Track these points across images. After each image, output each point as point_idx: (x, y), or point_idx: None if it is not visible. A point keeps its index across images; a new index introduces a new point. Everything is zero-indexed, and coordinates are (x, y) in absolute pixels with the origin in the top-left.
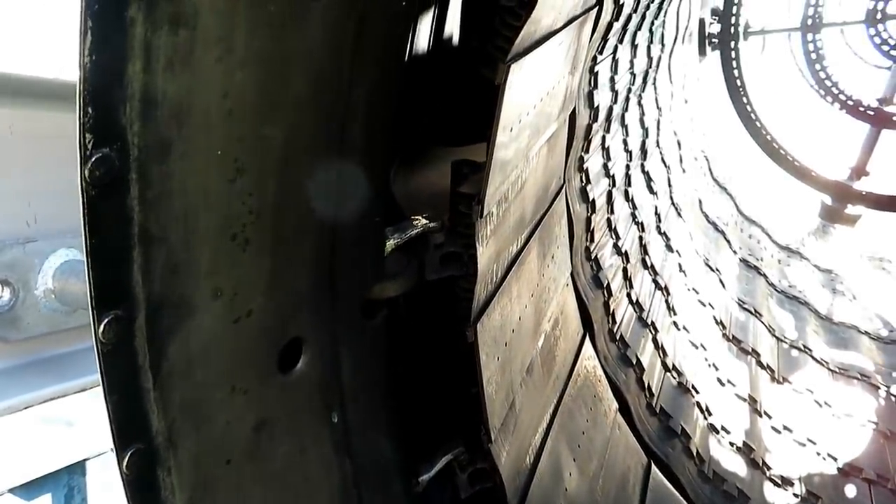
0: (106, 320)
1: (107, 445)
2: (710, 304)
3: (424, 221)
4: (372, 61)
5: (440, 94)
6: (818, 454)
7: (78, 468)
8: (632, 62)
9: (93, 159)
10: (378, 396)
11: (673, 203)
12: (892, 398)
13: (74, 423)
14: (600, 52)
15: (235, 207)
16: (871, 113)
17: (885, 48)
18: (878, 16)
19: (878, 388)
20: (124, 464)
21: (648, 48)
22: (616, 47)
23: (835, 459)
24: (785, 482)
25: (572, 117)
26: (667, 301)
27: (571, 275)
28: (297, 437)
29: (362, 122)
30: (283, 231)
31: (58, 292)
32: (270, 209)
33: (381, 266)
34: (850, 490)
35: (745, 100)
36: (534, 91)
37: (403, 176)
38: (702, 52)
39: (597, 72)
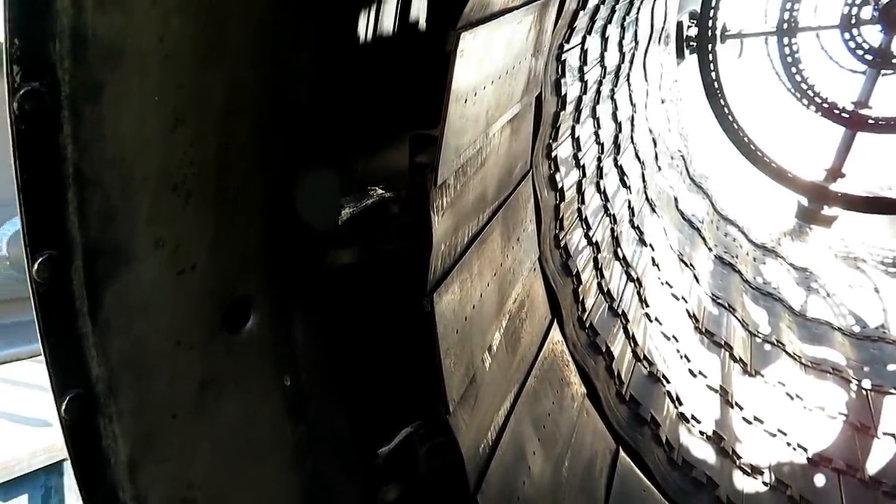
0: (40, 259)
1: None
2: (683, 298)
3: (381, 192)
4: (317, 26)
5: (404, 76)
6: (788, 444)
7: (55, 469)
8: (602, 55)
9: (21, 92)
10: (334, 365)
11: (647, 198)
12: (864, 392)
13: (53, 423)
14: (567, 41)
15: (176, 158)
16: (847, 116)
17: (860, 52)
18: (853, 20)
19: (850, 381)
20: (63, 408)
21: (620, 43)
22: (585, 38)
23: (805, 450)
24: (755, 471)
25: (538, 103)
26: (639, 293)
27: (539, 260)
28: (246, 398)
29: (310, 86)
30: (227, 186)
31: (13, 259)
32: (213, 162)
33: (336, 233)
34: (820, 479)
35: (722, 102)
36: (491, 66)
37: (365, 155)
38: (680, 54)
39: (564, 60)
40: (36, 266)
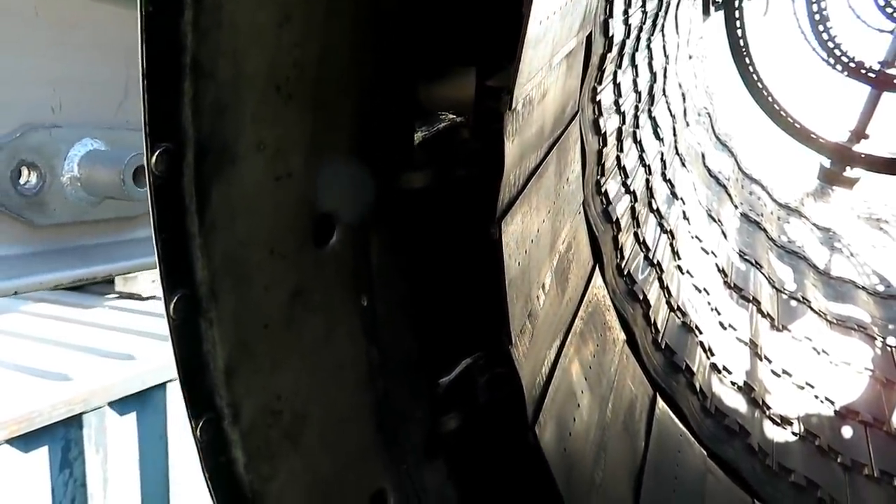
0: (158, 151)
1: (103, 400)
2: (712, 253)
3: (452, 116)
4: None
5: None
6: (816, 397)
7: (75, 421)
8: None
9: None
10: (405, 289)
11: (678, 153)
12: (889, 348)
13: (72, 377)
14: None
15: (282, 56)
16: (873, 75)
17: (889, 10)
18: None
19: (875, 338)
20: (171, 307)
21: None
22: None
23: (832, 403)
24: (784, 421)
25: (588, 42)
26: (671, 245)
27: (583, 204)
28: (329, 313)
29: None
30: (322, 92)
31: (84, 180)
32: (314, 66)
33: (410, 154)
34: (847, 431)
35: (747, 60)
36: None
37: (438, 79)
38: (706, 11)
39: (611, 0)
40: (154, 158)
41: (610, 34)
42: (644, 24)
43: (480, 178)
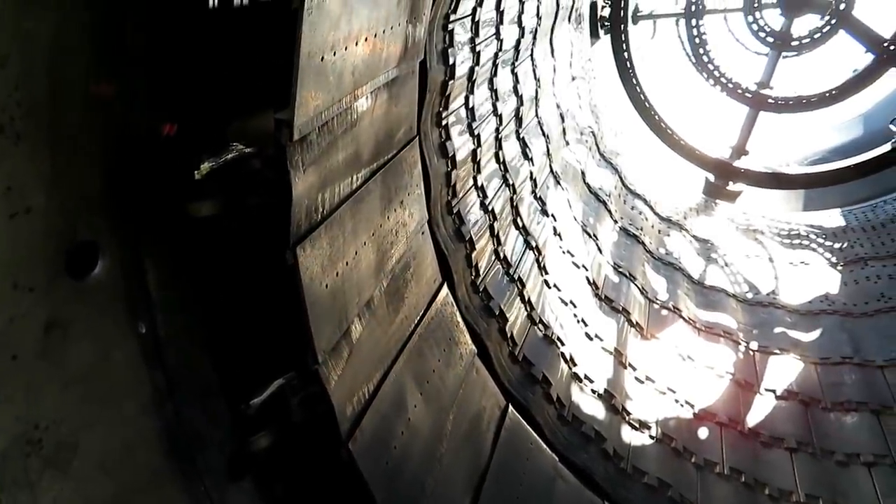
0: None
1: None
2: (584, 266)
3: (241, 147)
4: None
5: (259, 36)
6: (676, 401)
7: None
8: (498, 28)
9: None
10: (195, 313)
11: (552, 171)
12: (751, 352)
13: None
14: (454, 11)
15: (1, 98)
16: (750, 95)
17: (762, 35)
18: (755, 4)
19: (739, 343)
20: None
21: (520, 18)
22: (475, 10)
23: (692, 406)
24: (642, 425)
25: (423, 71)
26: (538, 260)
27: (430, 224)
28: (98, 343)
29: (147, 32)
30: (62, 129)
31: None
32: (44, 105)
33: (192, 184)
34: (703, 432)
35: (634, 81)
36: (355, 24)
37: (234, 113)
38: (594, 34)
39: (451, 30)
40: None
41: (451, 62)
42: (502, 50)
43: (275, 207)
